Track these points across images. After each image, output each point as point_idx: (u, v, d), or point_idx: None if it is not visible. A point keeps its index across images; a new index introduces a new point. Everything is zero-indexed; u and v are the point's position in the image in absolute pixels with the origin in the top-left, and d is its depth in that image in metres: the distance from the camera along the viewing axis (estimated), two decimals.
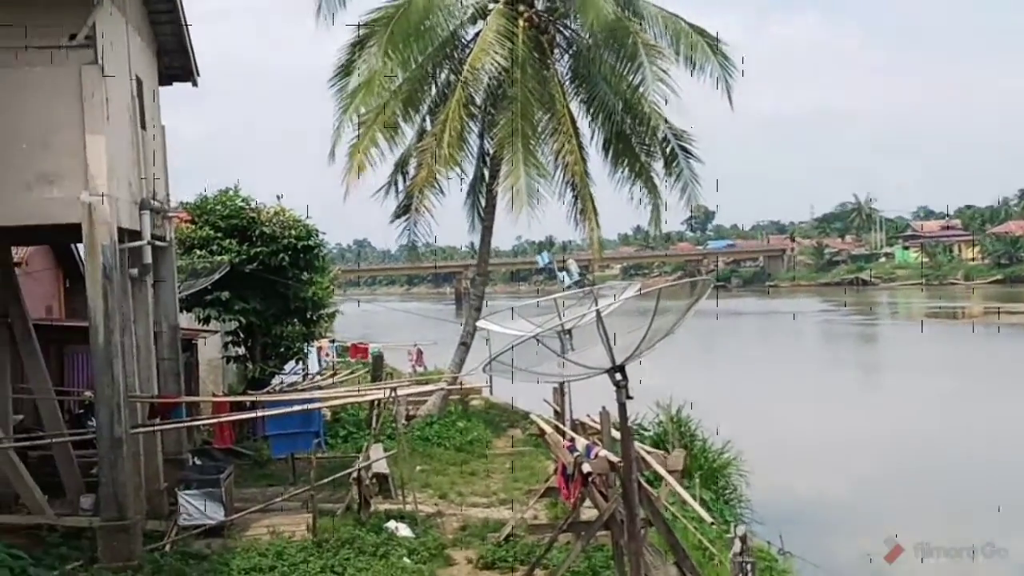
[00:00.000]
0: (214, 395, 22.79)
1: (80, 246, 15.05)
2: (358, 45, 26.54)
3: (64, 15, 13.06)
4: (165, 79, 18.63)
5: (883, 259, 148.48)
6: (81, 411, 20.35)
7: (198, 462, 17.71)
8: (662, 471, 13.90)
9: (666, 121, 27.01)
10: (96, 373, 13.58)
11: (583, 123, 27.57)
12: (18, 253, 20.40)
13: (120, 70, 14.65)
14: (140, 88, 16.18)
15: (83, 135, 13.16)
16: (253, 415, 18.29)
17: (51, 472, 16.29)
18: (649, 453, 14.67)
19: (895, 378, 43.28)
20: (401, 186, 28.56)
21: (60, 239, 20.33)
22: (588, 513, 13.64)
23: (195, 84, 19.28)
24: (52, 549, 13.57)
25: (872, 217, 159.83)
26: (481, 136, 28.36)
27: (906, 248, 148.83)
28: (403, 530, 15.01)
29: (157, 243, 16.37)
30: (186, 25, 17.94)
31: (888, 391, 40.03)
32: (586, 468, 12.78)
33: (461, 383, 27.15)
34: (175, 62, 18.52)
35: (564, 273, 28.16)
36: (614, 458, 12.42)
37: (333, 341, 41.32)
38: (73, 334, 19.53)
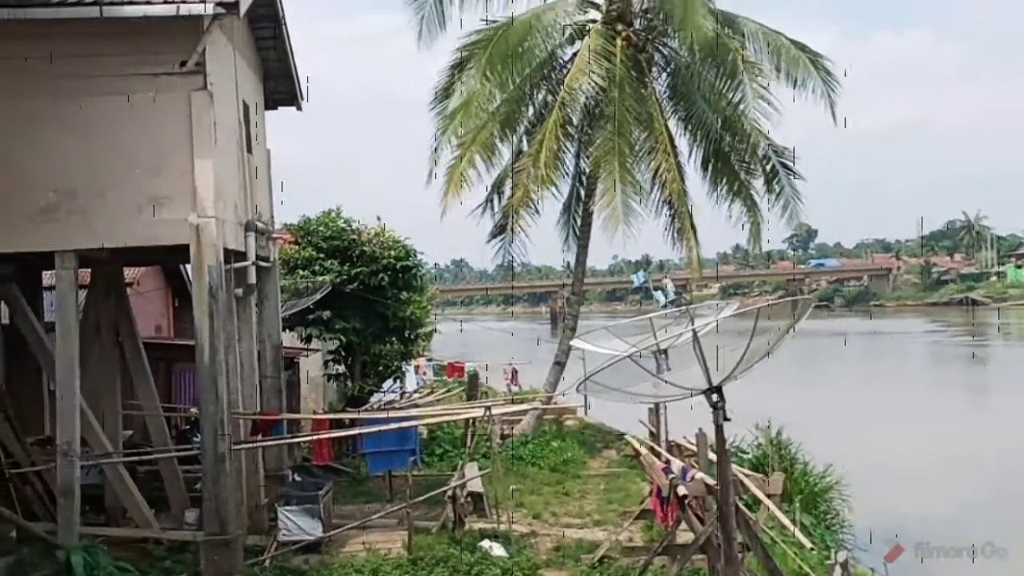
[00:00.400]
0: (314, 412, 23.21)
1: (188, 266, 15.53)
2: (457, 68, 26.95)
3: (174, 43, 13.47)
4: (271, 103, 19.16)
5: (994, 278, 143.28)
6: (187, 427, 20.94)
7: (298, 478, 18.04)
8: (760, 495, 13.62)
9: (767, 138, 26.64)
10: (201, 390, 13.89)
11: (681, 141, 27.40)
12: (130, 273, 21.21)
13: (228, 95, 15.11)
14: (247, 112, 16.63)
15: (192, 159, 13.53)
16: (351, 433, 18.59)
17: (158, 487, 16.77)
18: (747, 476, 14.40)
19: (1006, 401, 41.54)
20: (497, 206, 28.77)
21: (169, 260, 21.05)
22: (684, 536, 13.43)
23: (300, 109, 19.73)
24: (157, 562, 13.92)
25: (982, 235, 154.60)
26: (577, 156, 28.41)
27: (1019, 267, 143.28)
28: (497, 549, 14.99)
29: (261, 263, 16.75)
30: (291, 51, 18.46)
31: (999, 414, 38.43)
32: (682, 491, 12.61)
33: (555, 403, 27.12)
34: (281, 87, 19.01)
35: (659, 292, 27.99)
36: (711, 481, 12.24)
37: (430, 360, 41.74)
38: (181, 352, 20.15)
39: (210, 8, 13.12)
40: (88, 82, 13.44)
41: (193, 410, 19.67)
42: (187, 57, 13.46)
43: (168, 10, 13.01)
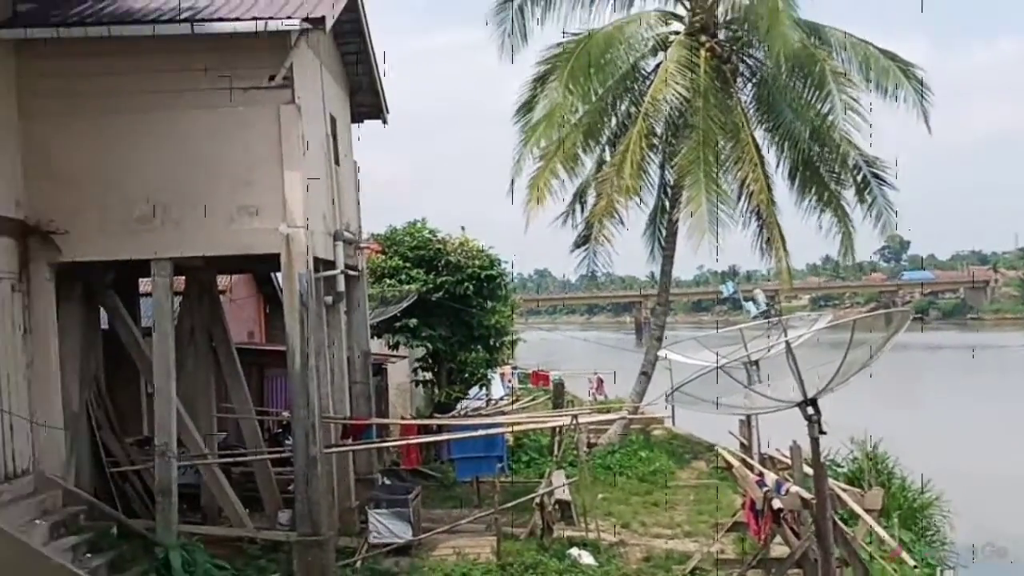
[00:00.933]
0: (403, 418, 23.45)
1: (279, 274, 15.82)
2: (539, 81, 27.04)
3: (263, 58, 13.71)
4: (357, 117, 19.50)
5: None
6: (279, 430, 21.32)
7: (387, 482, 18.23)
8: (858, 509, 13.29)
9: (857, 148, 26.09)
10: (293, 395, 14.12)
11: (768, 151, 26.97)
12: (223, 281, 21.71)
13: (315, 108, 15.36)
14: (334, 125, 16.90)
15: (281, 170, 13.76)
16: (439, 439, 18.73)
17: (251, 487, 17.08)
18: (844, 491, 14.06)
19: None
20: (580, 216, 28.71)
21: (260, 268, 21.49)
22: (778, 550, 13.17)
23: (385, 122, 20.14)
24: (252, 561, 14.15)
25: None
26: (662, 166, 28.17)
27: None
28: (586, 558, 14.90)
29: (349, 272, 17.00)
30: (376, 66, 18.75)
31: None
32: (777, 504, 12.38)
33: (642, 412, 26.88)
34: (366, 101, 19.38)
35: (751, 303, 27.55)
36: (807, 495, 11.98)
37: (515, 368, 41.83)
38: (272, 357, 20.51)
39: (296, 24, 13.36)
40: (181, 96, 13.79)
41: (285, 414, 20.01)
42: (275, 72, 13.68)
43: (254, 26, 13.27)
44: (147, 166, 13.85)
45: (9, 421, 12.89)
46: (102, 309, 16.16)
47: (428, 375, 27.50)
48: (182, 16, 13.41)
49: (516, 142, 27.50)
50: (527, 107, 27.49)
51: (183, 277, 16.68)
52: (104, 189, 13.81)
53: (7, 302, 13.24)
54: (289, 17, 13.41)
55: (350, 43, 17.94)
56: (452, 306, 24.89)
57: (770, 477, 13.91)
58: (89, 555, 12.63)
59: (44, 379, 13.74)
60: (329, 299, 16.32)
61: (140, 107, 13.79)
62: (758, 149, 26.04)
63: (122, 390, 17.08)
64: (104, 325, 16.62)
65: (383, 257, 25.58)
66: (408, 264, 25.38)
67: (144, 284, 17.29)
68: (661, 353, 25.21)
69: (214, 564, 12.65)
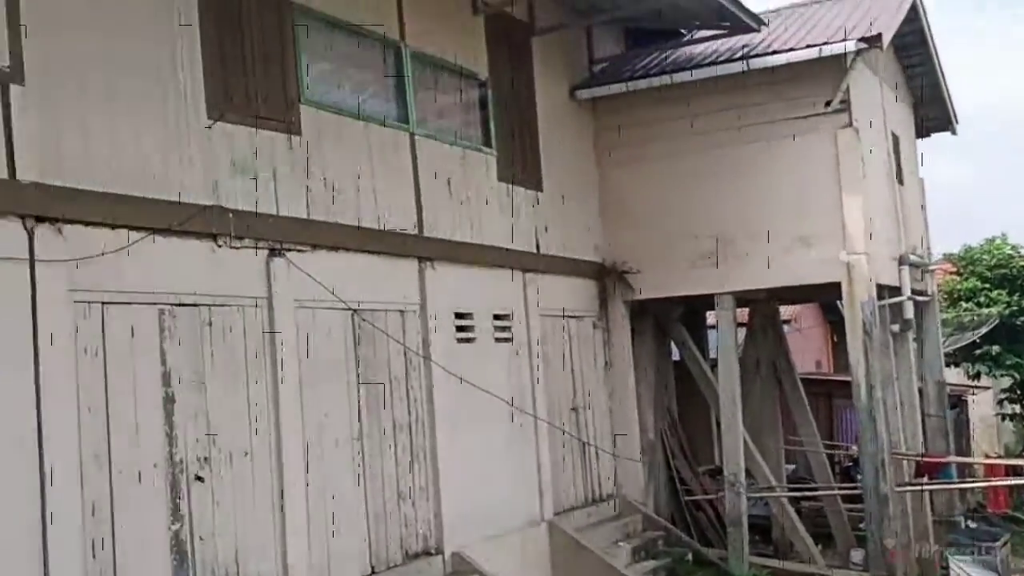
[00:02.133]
0: (987, 456, 21.51)
1: (841, 303, 15.52)
2: None
3: (816, 84, 13.63)
4: (923, 131, 18.53)
5: None
6: (850, 464, 20.76)
7: (971, 526, 16.81)
8: None
9: None
10: (860, 428, 13.76)
11: None
12: (789, 311, 21.83)
13: (874, 129, 14.89)
14: (896, 143, 16.26)
15: (839, 197, 13.53)
16: None
17: (822, 522, 16.79)
18: None
19: None
20: None
21: (821, 297, 21.23)
22: None
23: (954, 133, 18.95)
24: None
25: None
26: None
27: None
28: None
29: (918, 297, 16.11)
30: (941, 75, 17.69)
31: None
32: None
33: None
34: (932, 113, 18.48)
35: None
36: None
37: None
38: (840, 387, 20.10)
39: (852, 45, 13.09)
40: (738, 132, 14.17)
41: (853, 447, 19.45)
42: (830, 96, 13.54)
43: (810, 54, 13.24)
44: (708, 204, 14.45)
45: (595, 449, 14.19)
46: (672, 342, 17.11)
47: (1016, 408, 24.96)
48: (737, 55, 13.84)
49: None
50: None
51: (747, 309, 17.06)
52: (669, 229, 14.66)
53: (591, 339, 14.69)
54: (843, 40, 13.19)
55: (912, 55, 17.24)
56: None
57: None
58: None
59: (623, 409, 14.97)
60: (895, 327, 15.60)
61: (701, 147, 14.45)
62: None
63: (694, 420, 17.80)
64: (675, 357, 17.56)
65: (958, 279, 24.00)
66: (987, 285, 23.59)
67: (710, 317, 18.01)
68: None
69: None
